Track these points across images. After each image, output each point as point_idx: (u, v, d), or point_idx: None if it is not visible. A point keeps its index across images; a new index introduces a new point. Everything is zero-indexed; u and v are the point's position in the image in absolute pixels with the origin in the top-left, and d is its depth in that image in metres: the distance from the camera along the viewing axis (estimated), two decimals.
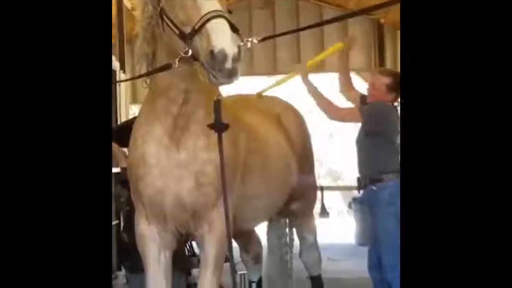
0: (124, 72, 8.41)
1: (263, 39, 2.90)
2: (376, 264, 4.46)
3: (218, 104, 2.77)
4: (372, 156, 4.31)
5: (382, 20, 11.20)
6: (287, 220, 4.58)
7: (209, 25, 2.51)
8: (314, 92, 4.40)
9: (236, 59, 2.48)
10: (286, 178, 4.00)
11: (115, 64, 7.80)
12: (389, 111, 4.35)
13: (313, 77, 4.52)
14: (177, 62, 2.70)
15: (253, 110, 3.79)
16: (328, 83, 4.87)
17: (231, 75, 2.51)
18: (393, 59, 11.29)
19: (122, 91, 8.25)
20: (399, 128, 4.23)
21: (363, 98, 4.67)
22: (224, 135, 2.99)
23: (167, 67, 2.82)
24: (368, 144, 4.35)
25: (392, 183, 4.18)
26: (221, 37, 2.48)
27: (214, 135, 2.89)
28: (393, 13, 9.77)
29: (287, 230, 4.62)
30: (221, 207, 3.08)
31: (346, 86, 4.75)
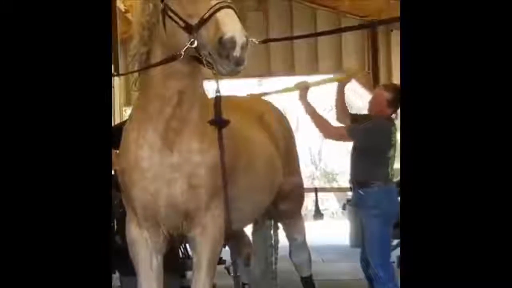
0: (118, 74, 8.39)
1: (264, 41, 2.94)
2: (365, 262, 4.75)
3: (218, 100, 2.79)
4: (362, 166, 4.61)
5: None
6: (272, 222, 4.58)
7: (219, 14, 2.60)
8: (311, 111, 4.68)
9: (244, 47, 2.55)
10: (272, 177, 3.99)
11: None
12: (382, 128, 4.62)
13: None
14: (183, 53, 2.74)
15: (237, 110, 3.79)
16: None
17: (238, 63, 2.58)
18: (386, 60, 11.32)
19: (116, 93, 8.25)
20: (392, 142, 4.58)
21: (354, 118, 4.90)
22: (214, 137, 2.99)
23: (173, 58, 2.84)
24: (360, 155, 4.64)
25: (376, 189, 4.53)
26: (231, 25, 2.57)
27: (207, 138, 2.88)
28: (387, 15, 9.79)
29: (272, 232, 4.62)
30: (214, 210, 3.08)
31: (342, 114, 4.93)
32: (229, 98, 4.30)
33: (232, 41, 2.53)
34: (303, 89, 4.67)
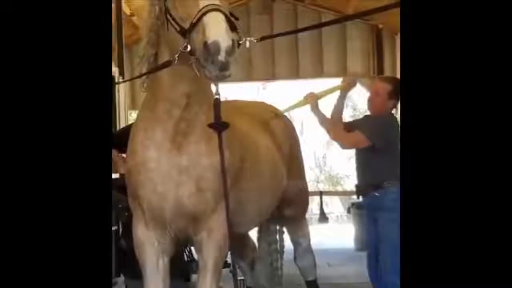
0: (123, 77, 8.42)
1: (262, 38, 2.94)
2: (376, 268, 4.51)
3: (217, 103, 2.77)
4: (374, 166, 4.38)
5: (380, 26, 11.25)
6: (277, 227, 4.58)
7: (205, 18, 2.55)
8: (326, 122, 4.53)
9: (229, 52, 2.49)
10: (277, 181, 3.99)
11: (114, 69, 7.80)
12: (391, 123, 4.44)
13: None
14: (176, 58, 2.73)
15: (242, 115, 3.80)
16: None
17: (223, 68, 2.53)
18: (391, 64, 11.33)
19: (121, 97, 8.26)
20: (399, 135, 4.27)
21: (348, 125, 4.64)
22: (223, 140, 2.99)
23: (167, 63, 2.85)
24: (370, 155, 4.40)
25: (395, 189, 4.21)
26: (215, 29, 2.51)
27: (215, 140, 2.89)
28: (391, 18, 9.79)
29: (277, 237, 4.61)
30: (221, 213, 3.08)
31: (338, 123, 4.60)
32: (235, 102, 4.33)
33: (216, 46, 2.48)
34: (313, 100, 4.50)
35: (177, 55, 2.72)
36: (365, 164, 4.50)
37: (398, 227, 4.17)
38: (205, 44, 2.50)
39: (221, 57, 2.49)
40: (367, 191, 4.49)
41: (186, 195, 3.07)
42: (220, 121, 2.78)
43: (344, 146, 4.62)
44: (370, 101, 4.60)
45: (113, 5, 7.89)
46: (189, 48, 2.63)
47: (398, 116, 4.58)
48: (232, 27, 2.60)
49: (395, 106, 4.52)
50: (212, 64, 2.53)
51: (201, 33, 2.55)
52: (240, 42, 2.70)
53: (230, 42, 2.50)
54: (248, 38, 2.81)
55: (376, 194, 4.39)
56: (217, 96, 2.78)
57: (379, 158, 4.34)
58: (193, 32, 2.60)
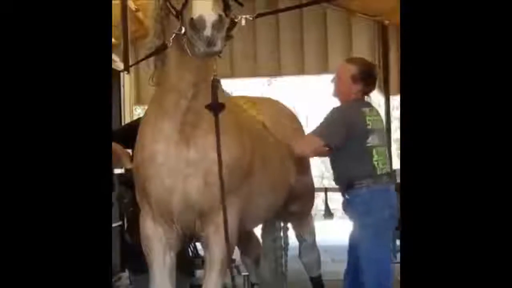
0: (128, 73, 8.40)
1: (258, 16, 2.96)
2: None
3: (215, 84, 2.77)
4: (341, 163, 3.82)
5: (387, 22, 11.20)
6: (282, 224, 4.58)
7: None
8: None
9: (216, 27, 2.51)
10: (285, 177, 3.99)
11: (119, 65, 7.80)
12: (347, 113, 3.82)
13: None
14: (171, 41, 2.77)
15: (252, 110, 3.80)
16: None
17: (210, 43, 2.54)
18: (397, 61, 11.28)
19: (126, 92, 8.26)
20: (368, 127, 3.77)
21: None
22: (232, 136, 2.98)
23: (163, 47, 2.89)
24: (336, 150, 3.82)
25: (365, 190, 3.70)
26: (200, 4, 2.54)
27: (225, 132, 2.88)
28: (398, 15, 9.76)
29: (281, 233, 4.61)
30: (229, 208, 3.07)
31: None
32: (243, 98, 4.33)
33: (201, 21, 2.49)
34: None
35: (171, 38, 2.75)
36: (333, 162, 3.92)
37: (373, 235, 3.62)
38: (191, 20, 2.52)
39: (207, 32, 2.50)
40: (342, 194, 3.86)
41: (194, 190, 3.07)
42: (217, 102, 2.77)
43: (306, 154, 3.97)
44: (335, 87, 3.97)
45: (118, 0, 7.88)
46: (183, 30, 2.65)
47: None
48: (224, 5, 2.62)
49: (363, 93, 3.88)
50: (199, 40, 2.54)
51: (189, 11, 2.57)
52: (236, 20, 2.73)
53: (216, 17, 2.51)
54: (244, 16, 2.83)
55: (347, 196, 3.78)
56: (215, 77, 2.78)
57: (344, 153, 3.75)
58: (183, 12, 2.63)
